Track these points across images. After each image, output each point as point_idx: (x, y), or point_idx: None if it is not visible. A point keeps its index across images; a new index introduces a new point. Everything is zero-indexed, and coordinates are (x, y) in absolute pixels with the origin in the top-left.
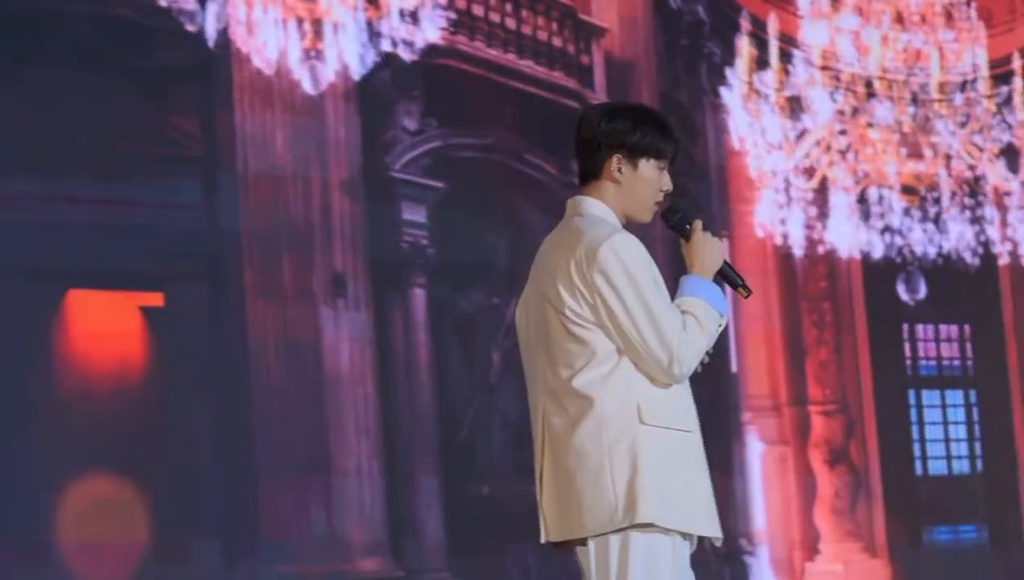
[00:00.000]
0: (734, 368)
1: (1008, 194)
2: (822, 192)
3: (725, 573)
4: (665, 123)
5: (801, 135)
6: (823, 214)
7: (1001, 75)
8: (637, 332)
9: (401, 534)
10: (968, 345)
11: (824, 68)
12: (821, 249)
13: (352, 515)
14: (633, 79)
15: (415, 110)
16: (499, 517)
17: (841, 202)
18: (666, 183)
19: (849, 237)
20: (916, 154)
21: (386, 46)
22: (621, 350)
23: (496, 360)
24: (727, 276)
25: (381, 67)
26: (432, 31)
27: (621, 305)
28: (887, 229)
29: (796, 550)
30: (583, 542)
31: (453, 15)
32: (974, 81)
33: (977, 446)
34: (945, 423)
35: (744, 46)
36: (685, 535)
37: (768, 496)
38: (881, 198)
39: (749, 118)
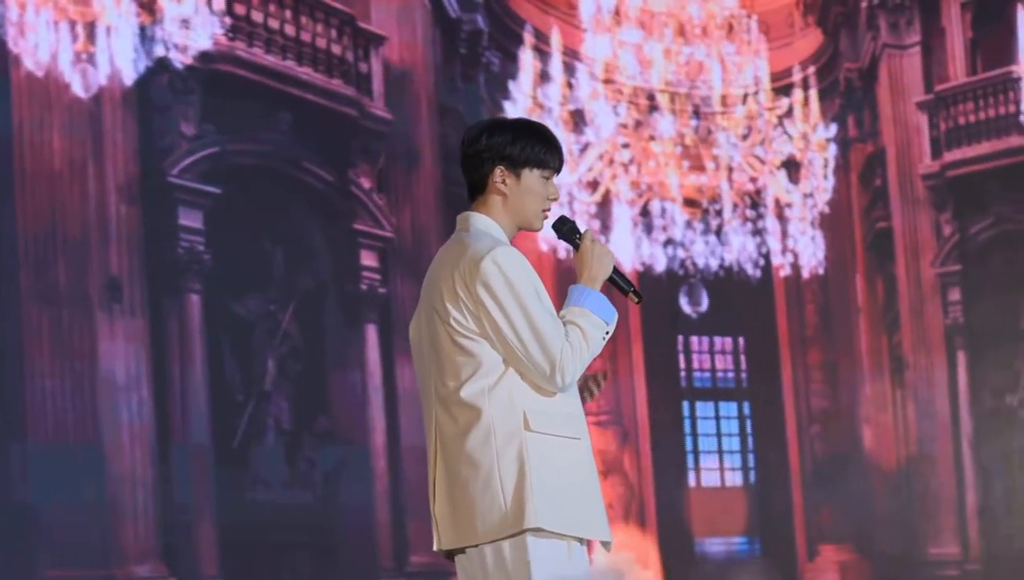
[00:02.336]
0: None
1: (789, 206)
2: (605, 205)
3: None
4: (546, 134)
5: (584, 149)
6: (606, 227)
7: (782, 88)
8: (519, 342)
9: (174, 539)
10: (742, 357)
11: (607, 81)
12: None
13: (125, 520)
14: (411, 87)
15: (193, 115)
16: (272, 523)
17: (624, 215)
18: (552, 191)
19: (631, 250)
20: (698, 167)
21: (159, 51)
22: (506, 361)
23: (271, 367)
24: (616, 284)
25: (159, 72)
26: (205, 38)
27: (503, 316)
28: (669, 242)
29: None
30: (464, 550)
31: (231, 21)
32: (756, 94)
33: (750, 458)
34: (719, 435)
35: (528, 60)
36: (581, 540)
37: None
38: (664, 211)
39: None
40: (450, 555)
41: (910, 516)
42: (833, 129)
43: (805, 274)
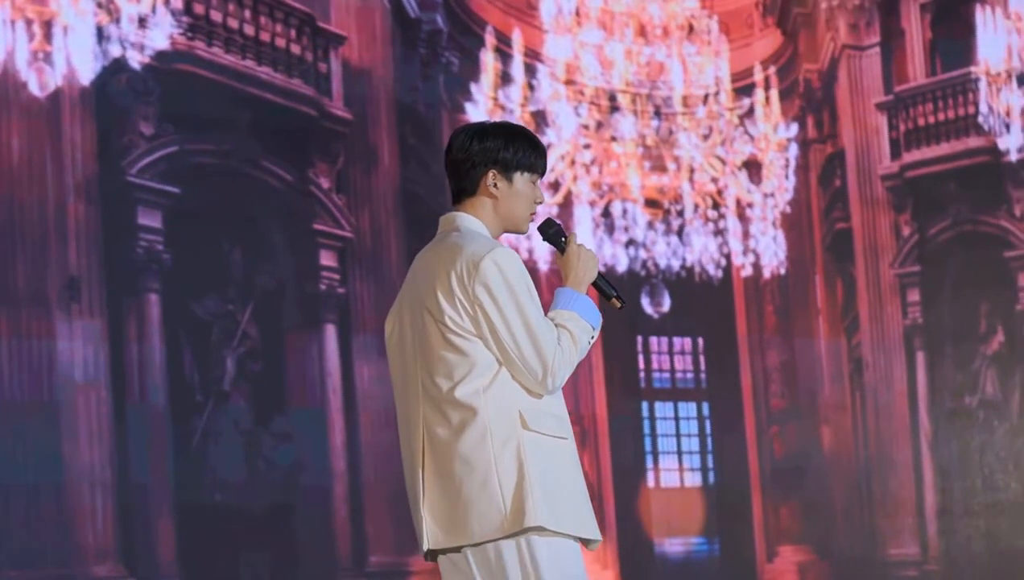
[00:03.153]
0: None
1: (750, 206)
2: (567, 206)
3: None
4: (534, 139)
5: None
6: (568, 228)
7: (743, 88)
8: (515, 345)
9: (132, 540)
10: (702, 358)
11: (568, 82)
12: None
13: (83, 520)
14: (371, 87)
15: (152, 115)
16: (231, 524)
17: (585, 216)
18: (539, 195)
19: (593, 250)
20: (659, 167)
21: (116, 51)
22: (500, 361)
23: (230, 366)
24: (601, 288)
25: (118, 71)
26: (162, 38)
27: (501, 318)
28: (631, 242)
29: None
30: (454, 551)
31: (190, 20)
32: (716, 94)
33: (709, 458)
34: (678, 435)
35: (489, 61)
36: (576, 539)
37: None
38: (625, 212)
39: None
40: (432, 555)
41: (869, 517)
42: (794, 129)
43: (766, 274)
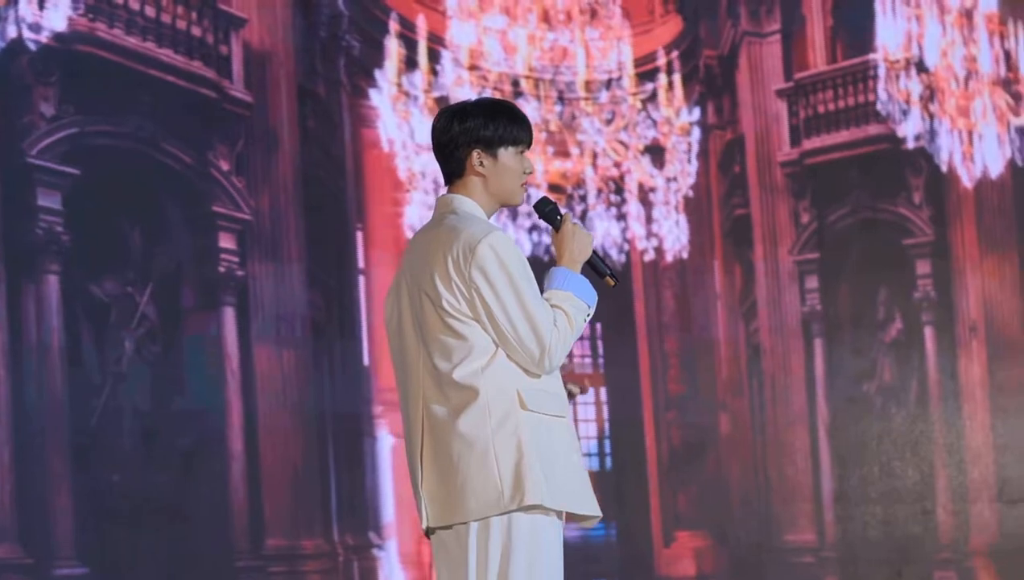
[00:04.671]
0: (366, 361)
1: (653, 190)
2: None
3: (354, 567)
4: (515, 110)
5: None
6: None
7: (646, 73)
8: (512, 327)
9: (30, 521)
10: (599, 342)
11: (472, 68)
12: None
13: None
14: (271, 70)
15: (52, 96)
16: (129, 505)
17: None
18: (527, 165)
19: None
20: (563, 152)
21: (13, 32)
22: (497, 343)
23: (128, 348)
24: (595, 266)
25: (17, 53)
26: (60, 19)
27: (497, 301)
28: (534, 228)
29: (425, 544)
30: (448, 528)
31: (91, 2)
32: (619, 79)
33: (607, 443)
34: (575, 420)
35: (393, 47)
36: (560, 515)
37: (398, 490)
38: (529, 197)
39: (398, 120)
40: (428, 532)
41: (766, 503)
42: (697, 113)
43: (669, 258)
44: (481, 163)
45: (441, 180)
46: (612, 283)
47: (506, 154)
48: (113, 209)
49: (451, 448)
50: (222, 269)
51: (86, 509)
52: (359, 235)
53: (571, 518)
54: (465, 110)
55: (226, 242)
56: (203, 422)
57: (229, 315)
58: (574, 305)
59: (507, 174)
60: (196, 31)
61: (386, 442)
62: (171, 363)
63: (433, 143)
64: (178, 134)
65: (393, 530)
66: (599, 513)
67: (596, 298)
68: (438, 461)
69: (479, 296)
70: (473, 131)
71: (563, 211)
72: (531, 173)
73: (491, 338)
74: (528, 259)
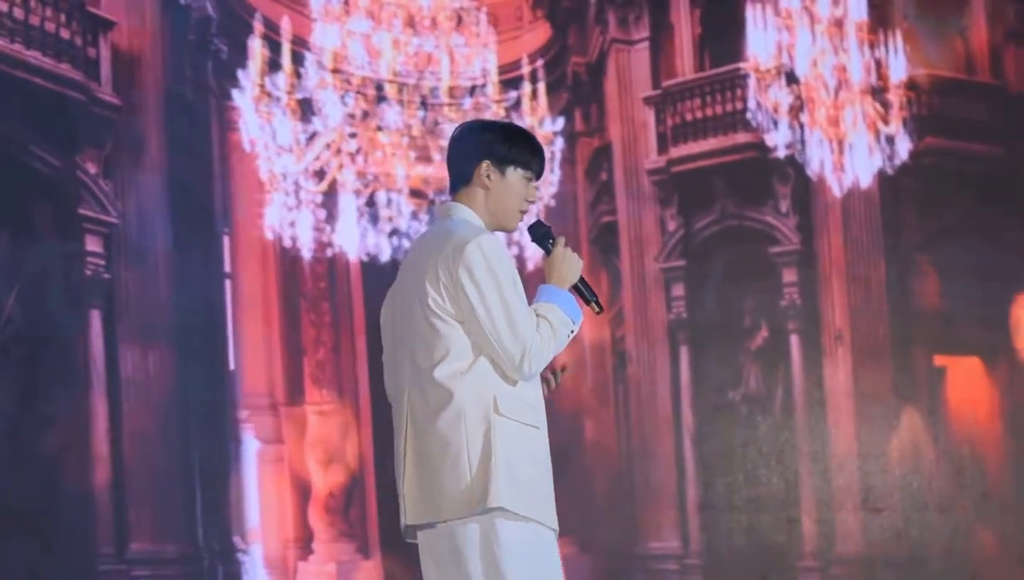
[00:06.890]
0: (232, 366)
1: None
2: (331, 195)
3: (218, 571)
4: (533, 140)
5: (311, 138)
6: (332, 217)
7: (510, 80)
8: (493, 327)
9: None
10: None
11: (335, 71)
12: (330, 252)
13: None
14: (140, 73)
15: None
16: None
17: (350, 205)
18: (531, 194)
19: (357, 240)
20: (425, 158)
21: None
22: (478, 347)
23: None
24: (581, 292)
25: None
26: None
27: (481, 301)
28: (395, 232)
29: (290, 549)
30: (427, 527)
31: None
32: (483, 86)
33: None
34: None
35: (257, 48)
36: (553, 528)
37: (263, 494)
38: (390, 201)
39: (260, 120)
40: (411, 532)
41: (631, 510)
42: (560, 123)
43: (530, 266)
44: (488, 176)
45: (302, 181)
46: (597, 311)
47: (514, 175)
48: None
49: (431, 448)
50: (88, 272)
51: None
52: (226, 239)
53: None
54: (486, 124)
55: (93, 245)
56: (68, 425)
57: (95, 318)
58: (559, 318)
59: (510, 194)
60: (64, 33)
61: (251, 446)
62: (37, 366)
63: (449, 150)
64: (45, 137)
65: (258, 535)
66: (556, 527)
67: (581, 315)
68: (418, 461)
69: (463, 294)
70: (488, 144)
71: (556, 236)
72: (533, 202)
73: (472, 342)
74: (386, 264)
